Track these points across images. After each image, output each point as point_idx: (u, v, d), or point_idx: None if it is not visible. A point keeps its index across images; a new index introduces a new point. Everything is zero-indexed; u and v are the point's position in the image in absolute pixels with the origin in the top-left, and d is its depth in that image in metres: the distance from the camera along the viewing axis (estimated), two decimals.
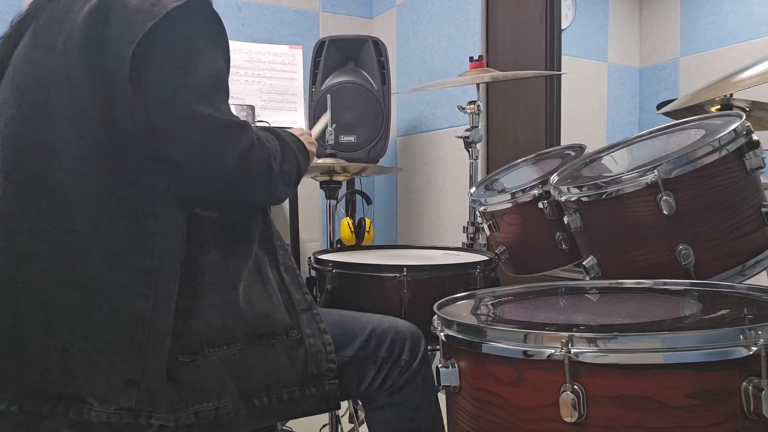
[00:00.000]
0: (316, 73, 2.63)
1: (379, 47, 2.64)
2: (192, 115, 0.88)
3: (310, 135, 1.22)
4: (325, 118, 1.72)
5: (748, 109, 1.59)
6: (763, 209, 1.12)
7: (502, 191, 1.62)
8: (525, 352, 0.76)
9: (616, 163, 1.35)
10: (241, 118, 0.94)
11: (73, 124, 0.87)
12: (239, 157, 0.91)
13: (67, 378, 0.85)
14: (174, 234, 0.89)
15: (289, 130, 1.16)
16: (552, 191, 1.31)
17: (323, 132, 1.72)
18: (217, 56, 0.93)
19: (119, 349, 0.85)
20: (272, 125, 2.21)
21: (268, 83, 2.49)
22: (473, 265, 1.43)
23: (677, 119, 1.45)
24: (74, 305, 0.86)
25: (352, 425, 1.91)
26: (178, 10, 0.87)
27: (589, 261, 1.23)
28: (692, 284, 1.04)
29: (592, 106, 2.64)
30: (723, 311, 0.87)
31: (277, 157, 1.01)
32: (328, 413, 1.87)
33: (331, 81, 2.62)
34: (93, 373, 0.85)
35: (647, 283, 1.08)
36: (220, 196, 0.94)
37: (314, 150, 1.21)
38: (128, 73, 0.85)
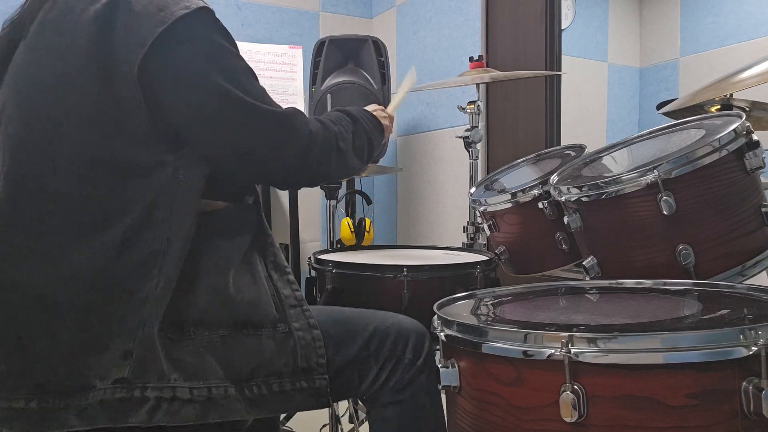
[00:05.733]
0: (316, 73, 2.63)
1: (379, 47, 2.64)
2: (245, 106, 0.93)
3: (384, 110, 1.28)
4: (409, 83, 1.46)
5: (748, 109, 1.59)
6: (763, 209, 1.12)
7: (502, 191, 1.62)
8: (525, 352, 0.76)
9: (616, 163, 1.35)
10: (295, 108, 1.01)
11: (75, 126, 0.88)
12: (301, 149, 0.99)
13: (77, 369, 0.86)
14: (180, 219, 0.91)
15: (363, 107, 1.22)
16: (552, 191, 1.31)
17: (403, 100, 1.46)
18: (235, 52, 0.98)
19: (121, 330, 0.86)
20: None
21: (268, 83, 2.49)
22: (473, 265, 1.43)
23: (677, 119, 1.45)
24: (75, 300, 0.86)
25: (352, 425, 1.91)
26: (188, 16, 0.89)
27: (589, 261, 1.23)
28: (692, 284, 1.04)
29: (592, 106, 2.63)
30: (723, 311, 0.87)
31: (348, 136, 1.09)
32: (327, 413, 1.87)
33: (331, 81, 2.62)
34: (98, 358, 0.86)
35: (647, 283, 1.08)
36: (289, 181, 1.06)
37: (388, 123, 1.27)
38: (136, 76, 0.86)
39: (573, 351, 0.72)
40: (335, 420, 1.82)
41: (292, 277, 1.06)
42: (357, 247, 2.09)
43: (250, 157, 0.96)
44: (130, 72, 0.86)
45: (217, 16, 0.95)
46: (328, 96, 2.16)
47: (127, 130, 0.88)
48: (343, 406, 2.14)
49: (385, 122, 1.24)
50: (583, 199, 1.19)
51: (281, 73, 2.52)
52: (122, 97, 0.87)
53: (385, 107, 1.32)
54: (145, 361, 0.86)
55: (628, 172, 1.13)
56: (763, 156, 1.10)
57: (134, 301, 0.87)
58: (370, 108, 1.23)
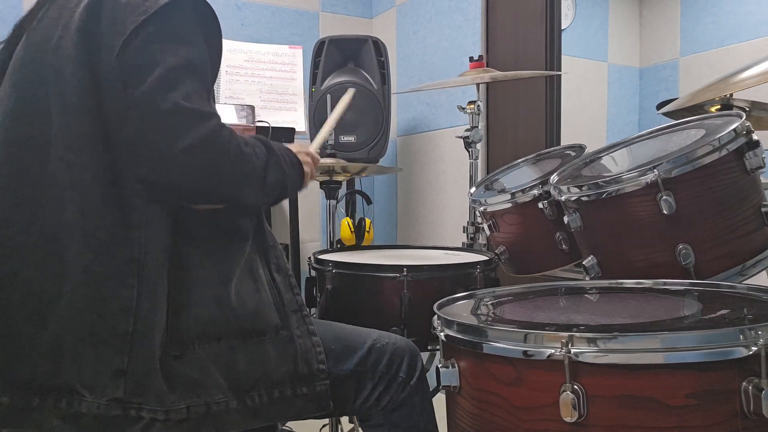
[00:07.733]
0: (316, 73, 2.62)
1: (379, 47, 2.64)
2: (150, 97, 0.84)
3: (308, 151, 1.13)
4: (330, 125, 1.51)
5: (748, 109, 1.59)
6: (763, 209, 1.12)
7: (502, 191, 1.62)
8: (525, 352, 0.76)
9: (616, 163, 1.35)
10: (213, 111, 0.90)
11: (64, 117, 0.88)
12: (193, 143, 0.85)
13: (56, 369, 0.86)
14: (156, 224, 0.90)
15: (287, 145, 1.08)
16: (552, 191, 1.31)
17: (326, 139, 1.51)
18: (201, 49, 0.92)
19: (106, 339, 0.86)
20: (272, 125, 2.18)
21: (268, 83, 2.49)
22: (473, 265, 1.43)
23: (677, 119, 1.45)
24: (63, 296, 0.86)
25: (352, 425, 1.91)
26: (169, 5, 0.88)
27: (589, 261, 1.23)
28: (692, 284, 1.04)
29: (592, 106, 2.63)
30: (723, 311, 0.87)
31: (258, 162, 0.95)
32: None
33: (331, 81, 2.62)
34: (80, 363, 0.85)
35: (647, 283, 1.08)
36: (175, 182, 0.89)
37: (308, 170, 1.10)
38: (116, 66, 0.86)
39: (573, 351, 0.72)
40: (335, 420, 1.82)
41: (293, 280, 1.06)
42: (357, 247, 2.09)
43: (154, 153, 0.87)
44: (110, 61, 0.86)
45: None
46: (328, 96, 2.16)
47: (107, 120, 0.88)
48: None
49: (306, 168, 1.08)
50: (583, 198, 1.19)
51: (281, 73, 2.52)
52: (103, 87, 0.87)
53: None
54: (141, 382, 0.86)
55: (628, 171, 1.13)
56: (763, 156, 1.10)
57: (110, 308, 0.86)
58: (294, 147, 1.09)
